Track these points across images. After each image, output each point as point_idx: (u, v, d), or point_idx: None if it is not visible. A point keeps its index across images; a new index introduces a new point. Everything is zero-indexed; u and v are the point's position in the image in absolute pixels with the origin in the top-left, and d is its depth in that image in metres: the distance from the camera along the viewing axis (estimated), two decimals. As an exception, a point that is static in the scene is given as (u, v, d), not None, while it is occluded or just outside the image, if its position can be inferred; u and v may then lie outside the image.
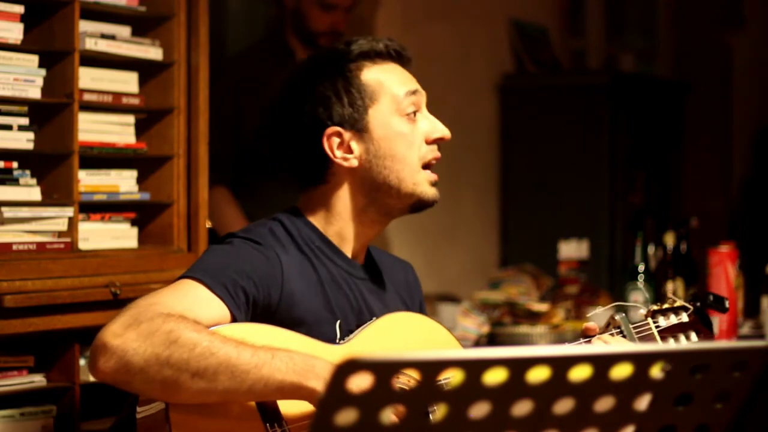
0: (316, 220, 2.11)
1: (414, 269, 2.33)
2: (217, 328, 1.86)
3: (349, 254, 2.12)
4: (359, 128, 2.06)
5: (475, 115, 5.04)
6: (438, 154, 2.11)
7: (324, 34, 3.76)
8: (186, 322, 1.80)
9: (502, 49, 5.21)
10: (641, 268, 3.55)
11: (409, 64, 2.15)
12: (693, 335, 2.14)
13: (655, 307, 2.16)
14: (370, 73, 2.08)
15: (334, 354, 1.93)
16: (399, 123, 2.07)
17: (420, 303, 2.29)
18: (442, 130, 2.11)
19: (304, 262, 2.05)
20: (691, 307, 2.16)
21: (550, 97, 5.12)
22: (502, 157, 5.16)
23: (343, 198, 2.10)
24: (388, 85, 2.08)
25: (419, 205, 2.11)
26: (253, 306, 1.95)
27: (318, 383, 1.77)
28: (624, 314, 2.10)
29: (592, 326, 2.08)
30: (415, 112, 2.09)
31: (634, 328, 2.10)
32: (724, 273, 3.46)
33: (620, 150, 5.05)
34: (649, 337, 2.11)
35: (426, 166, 2.10)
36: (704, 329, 2.15)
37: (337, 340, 2.02)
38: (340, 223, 2.10)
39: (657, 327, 2.12)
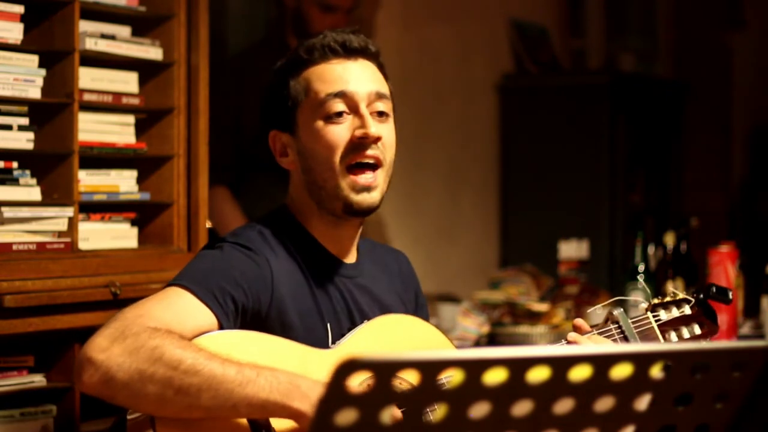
0: (301, 218, 2.10)
1: (407, 258, 2.29)
2: (206, 337, 1.85)
3: (335, 253, 2.09)
4: (290, 131, 2.07)
5: (475, 115, 5.03)
6: (366, 157, 2.00)
7: (324, 35, 3.76)
8: (171, 338, 1.77)
9: (502, 49, 5.21)
10: (641, 268, 3.56)
11: (367, 56, 2.07)
12: (696, 327, 2.11)
13: (656, 301, 2.13)
14: (306, 75, 2.05)
15: (326, 359, 1.92)
16: (320, 125, 2.02)
17: (415, 292, 2.25)
18: (363, 129, 2.00)
19: (293, 265, 2.03)
20: (693, 299, 2.13)
21: (550, 97, 5.12)
22: (502, 157, 5.16)
23: (300, 197, 2.09)
24: (313, 86, 2.04)
25: (349, 210, 2.02)
26: (242, 313, 1.93)
27: (302, 403, 1.75)
28: (622, 309, 2.08)
29: (582, 324, 2.04)
30: (342, 113, 2.02)
31: (634, 322, 2.07)
32: (724, 273, 3.46)
33: (620, 150, 5.05)
34: (649, 331, 2.08)
35: (356, 171, 2.02)
36: (708, 321, 2.11)
37: (330, 344, 2.01)
38: (313, 221, 2.08)
39: (657, 320, 2.09)
